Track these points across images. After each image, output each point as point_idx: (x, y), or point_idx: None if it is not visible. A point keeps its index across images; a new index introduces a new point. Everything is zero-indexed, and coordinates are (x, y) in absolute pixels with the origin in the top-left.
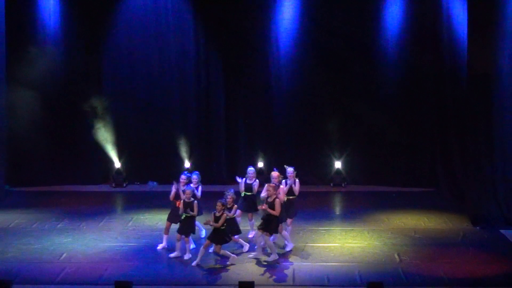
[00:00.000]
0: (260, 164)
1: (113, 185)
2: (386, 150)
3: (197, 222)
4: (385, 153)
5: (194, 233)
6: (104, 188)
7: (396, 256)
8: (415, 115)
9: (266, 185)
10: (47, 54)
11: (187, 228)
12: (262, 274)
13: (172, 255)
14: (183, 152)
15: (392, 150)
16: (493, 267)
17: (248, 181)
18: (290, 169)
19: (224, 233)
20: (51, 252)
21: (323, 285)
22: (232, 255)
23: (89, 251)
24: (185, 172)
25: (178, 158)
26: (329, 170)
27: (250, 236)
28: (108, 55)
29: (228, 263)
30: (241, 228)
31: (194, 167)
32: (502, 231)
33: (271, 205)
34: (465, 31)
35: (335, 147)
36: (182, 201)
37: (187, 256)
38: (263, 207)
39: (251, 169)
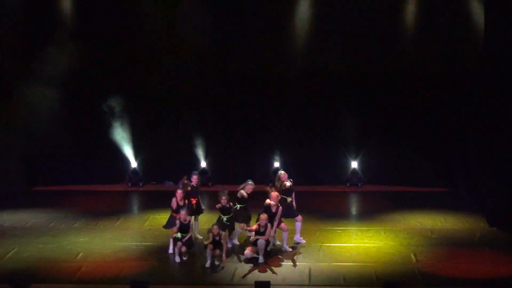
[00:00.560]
0: (276, 164)
1: (129, 184)
2: (402, 150)
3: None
4: (401, 153)
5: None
6: (120, 187)
7: (413, 256)
8: (432, 115)
9: (260, 216)
10: (66, 54)
11: (190, 245)
12: (278, 274)
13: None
14: (199, 151)
15: (409, 150)
16: (510, 267)
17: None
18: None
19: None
20: (68, 251)
21: (339, 285)
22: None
23: (105, 251)
24: (195, 172)
25: (194, 158)
26: (345, 170)
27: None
28: (125, 56)
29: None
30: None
31: (210, 167)
32: None
33: (262, 234)
34: (483, 29)
35: (352, 147)
36: (179, 222)
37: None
38: (246, 228)
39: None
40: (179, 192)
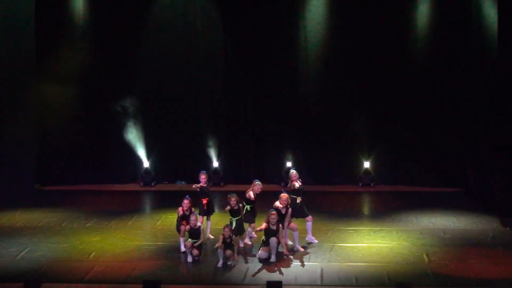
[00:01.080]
0: (289, 164)
1: (142, 184)
2: (415, 150)
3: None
4: (414, 153)
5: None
6: (132, 187)
7: (425, 257)
8: (444, 115)
9: (270, 214)
10: (78, 54)
11: (200, 249)
12: (290, 274)
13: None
14: (212, 151)
15: (421, 150)
16: None
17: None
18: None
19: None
20: (80, 251)
21: (351, 285)
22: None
23: (117, 250)
24: (203, 171)
25: (207, 158)
26: (358, 170)
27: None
28: (139, 56)
29: (229, 262)
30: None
31: (222, 167)
32: None
33: (275, 233)
34: (496, 29)
35: (364, 147)
36: (189, 227)
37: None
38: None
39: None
40: (186, 203)
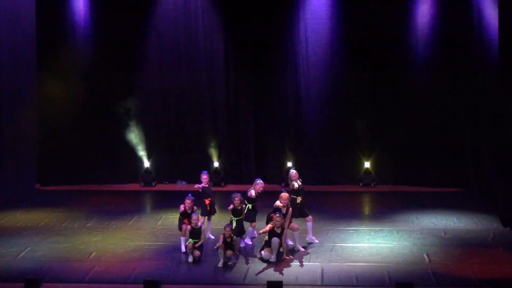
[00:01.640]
0: (289, 164)
1: (142, 184)
2: (415, 150)
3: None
4: (414, 153)
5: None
6: (133, 187)
7: (426, 257)
8: (445, 115)
9: (272, 214)
10: (79, 55)
11: (202, 250)
12: (290, 274)
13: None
14: (212, 151)
15: (422, 150)
16: None
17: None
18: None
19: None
20: (80, 251)
21: (352, 285)
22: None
23: (118, 250)
24: (204, 171)
25: (207, 158)
26: (358, 169)
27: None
28: (139, 56)
29: (230, 263)
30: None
31: (223, 167)
32: None
33: (279, 236)
34: (496, 30)
35: (365, 146)
36: (190, 227)
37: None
38: (260, 232)
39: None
40: (188, 202)
